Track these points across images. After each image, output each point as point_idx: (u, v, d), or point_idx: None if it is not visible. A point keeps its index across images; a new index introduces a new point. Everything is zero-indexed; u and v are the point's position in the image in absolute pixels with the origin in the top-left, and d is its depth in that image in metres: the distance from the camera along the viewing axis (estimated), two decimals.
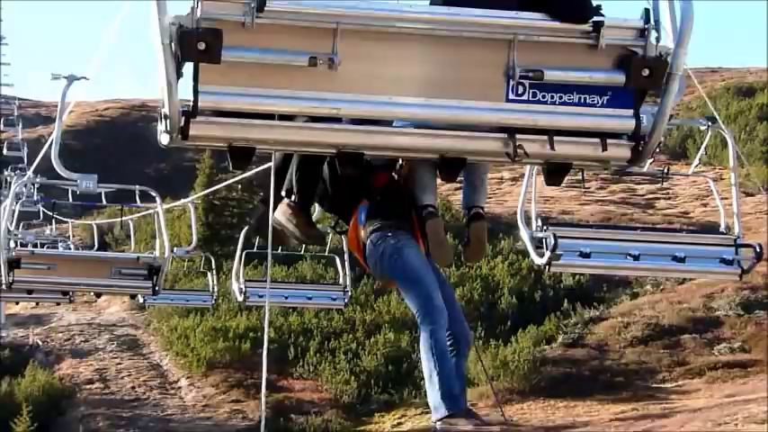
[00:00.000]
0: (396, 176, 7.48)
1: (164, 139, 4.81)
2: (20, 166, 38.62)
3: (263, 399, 10.38)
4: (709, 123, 8.26)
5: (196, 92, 4.64)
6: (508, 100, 4.96)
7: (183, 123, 4.70)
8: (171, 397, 31.42)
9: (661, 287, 36.14)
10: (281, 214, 7.31)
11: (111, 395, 31.42)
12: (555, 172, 5.21)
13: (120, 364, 34.22)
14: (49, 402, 29.76)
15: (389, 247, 7.33)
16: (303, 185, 7.02)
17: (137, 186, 11.97)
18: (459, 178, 5.93)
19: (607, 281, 37.12)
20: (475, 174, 7.40)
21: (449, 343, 7.21)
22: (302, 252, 26.46)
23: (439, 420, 6.89)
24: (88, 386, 32.18)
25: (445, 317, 7.05)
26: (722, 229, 7.37)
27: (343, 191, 7.55)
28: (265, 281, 23.75)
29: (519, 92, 4.95)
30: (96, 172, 10.46)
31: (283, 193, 7.18)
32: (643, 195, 50.39)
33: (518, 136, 5.02)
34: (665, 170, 8.67)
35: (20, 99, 76.41)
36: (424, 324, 7.05)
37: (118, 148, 65.70)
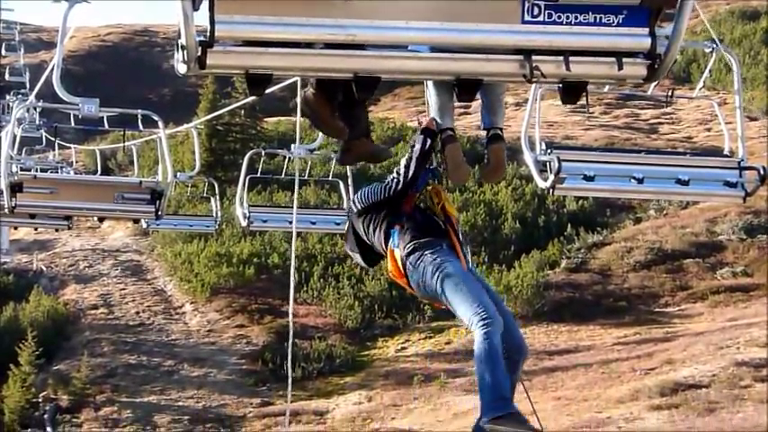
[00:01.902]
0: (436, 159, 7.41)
1: (181, 68, 4.79)
2: (22, 91, 38.41)
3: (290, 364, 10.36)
4: (714, 46, 8.19)
5: (213, 22, 4.62)
6: (524, 21, 4.92)
7: (200, 53, 4.68)
8: (175, 322, 31.55)
9: (664, 212, 36.17)
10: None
11: (116, 320, 31.55)
12: (571, 91, 5.19)
13: (124, 289, 34.33)
14: (54, 328, 29.89)
15: (430, 264, 7.21)
16: (325, 83, 6.90)
17: (139, 111, 11.91)
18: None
19: (610, 206, 37.13)
20: (492, 95, 7.35)
21: (503, 353, 7.11)
22: (306, 177, 26.41)
23: (489, 421, 6.81)
24: (92, 311, 32.31)
25: (500, 322, 6.94)
26: (726, 152, 7.34)
27: (376, 222, 7.55)
28: (269, 205, 23.76)
29: (534, 13, 4.91)
30: (98, 97, 10.41)
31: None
32: (647, 120, 50.26)
33: (534, 57, 4.99)
34: (670, 94, 8.61)
35: (21, 24, 75.97)
36: (479, 328, 6.92)
37: (120, 74, 65.44)
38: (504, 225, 35.61)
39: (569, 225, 35.32)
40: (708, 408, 20.02)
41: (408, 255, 7.31)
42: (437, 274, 7.15)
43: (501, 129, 7.33)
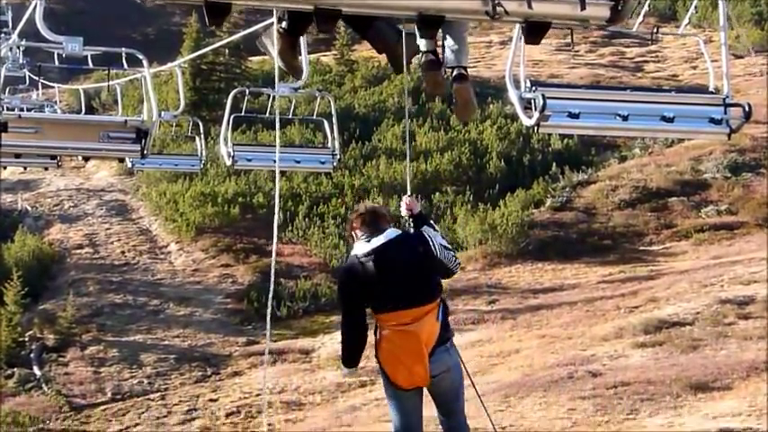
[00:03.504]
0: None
1: None
2: (4, 30, 38.13)
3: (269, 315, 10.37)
4: None
5: None
6: None
7: None
8: (160, 262, 31.55)
9: (649, 150, 36.23)
10: (267, 38, 7.40)
11: (101, 260, 31.54)
12: (534, 31, 5.16)
13: (109, 229, 34.30)
14: (39, 267, 29.88)
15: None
16: (293, 18, 6.92)
17: (123, 49, 11.85)
18: None
19: (595, 144, 37.18)
20: (455, 33, 7.33)
21: None
22: (291, 116, 26.34)
23: None
24: (78, 251, 32.29)
25: None
26: (711, 89, 7.33)
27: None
28: (254, 144, 23.70)
29: None
30: (82, 36, 10.35)
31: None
32: (632, 59, 50.22)
33: None
34: (655, 31, 8.59)
35: None
36: None
37: (104, 12, 64.94)
38: (489, 164, 35.62)
39: (554, 164, 35.35)
40: (692, 345, 20.15)
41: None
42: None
43: (465, 68, 7.34)
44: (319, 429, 18.98)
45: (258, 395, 21.88)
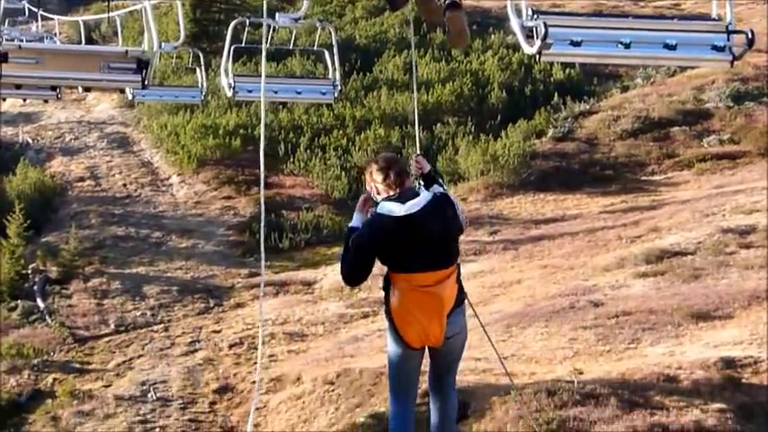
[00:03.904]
0: None
1: None
2: None
3: (262, 200, 10.37)
4: None
5: None
6: None
7: None
8: (162, 194, 31.55)
9: (651, 80, 36.09)
10: None
11: (103, 192, 31.55)
12: None
13: (110, 161, 34.27)
14: (41, 200, 29.87)
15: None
16: None
17: None
18: None
19: (597, 74, 37.03)
20: None
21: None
22: (291, 47, 26.24)
23: None
24: (80, 184, 32.29)
25: None
26: (714, 16, 7.28)
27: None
28: (255, 75, 23.65)
29: None
30: None
31: None
32: None
33: None
34: None
35: None
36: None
37: None
38: (491, 95, 35.50)
39: (556, 94, 35.23)
40: (693, 274, 20.19)
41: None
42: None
43: None
44: (322, 360, 19.08)
45: (263, 325, 21.98)
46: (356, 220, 8.17)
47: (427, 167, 8.42)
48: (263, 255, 9.21)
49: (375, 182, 8.07)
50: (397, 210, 7.83)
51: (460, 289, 8.09)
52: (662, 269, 20.79)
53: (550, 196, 29.39)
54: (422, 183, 8.32)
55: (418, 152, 8.67)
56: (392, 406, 8.34)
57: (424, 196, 7.93)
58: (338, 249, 26.67)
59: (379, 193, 8.06)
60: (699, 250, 21.54)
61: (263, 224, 9.77)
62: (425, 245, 7.78)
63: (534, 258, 24.04)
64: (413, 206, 7.83)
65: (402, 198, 7.90)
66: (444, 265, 7.90)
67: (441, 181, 8.44)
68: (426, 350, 8.25)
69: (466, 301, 8.28)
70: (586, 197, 29.09)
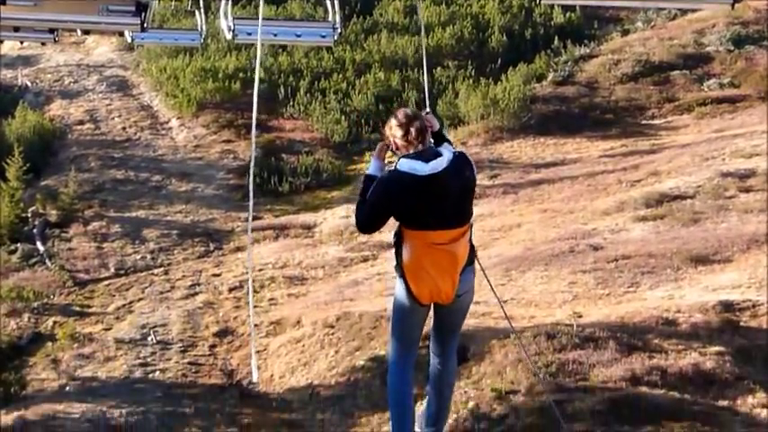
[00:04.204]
0: None
1: None
2: None
3: (254, 145, 10.27)
4: None
5: None
6: None
7: None
8: (162, 138, 31.50)
9: (652, 23, 35.93)
10: None
11: (103, 136, 31.48)
12: None
13: (110, 105, 34.17)
14: (41, 143, 29.79)
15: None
16: None
17: None
18: None
19: (598, 18, 36.86)
20: None
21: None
22: None
23: None
24: (79, 127, 32.21)
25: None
26: None
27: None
28: (254, 18, 23.49)
29: None
30: None
31: None
32: None
33: None
34: None
35: None
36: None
37: None
38: (491, 38, 35.34)
39: (556, 38, 35.08)
40: (692, 218, 20.22)
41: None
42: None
43: None
44: (321, 303, 19.14)
45: (261, 270, 22.02)
46: (373, 168, 8.11)
47: (437, 125, 8.38)
48: (251, 199, 9.22)
49: (394, 137, 8.02)
50: (421, 168, 7.76)
51: (472, 248, 8.10)
52: (661, 213, 20.82)
53: (550, 140, 29.35)
54: (431, 140, 8.27)
55: (428, 109, 8.64)
56: (393, 359, 8.38)
57: (447, 156, 7.88)
58: (338, 193, 26.81)
59: (397, 149, 8.01)
60: (698, 194, 21.56)
61: (251, 170, 9.77)
62: (443, 203, 7.77)
63: (534, 202, 24.05)
64: (437, 165, 7.79)
65: (424, 156, 7.85)
66: (460, 224, 7.90)
67: (448, 137, 8.41)
68: (432, 309, 8.26)
69: (476, 260, 8.29)
70: (586, 141, 29.05)
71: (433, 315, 8.30)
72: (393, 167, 7.89)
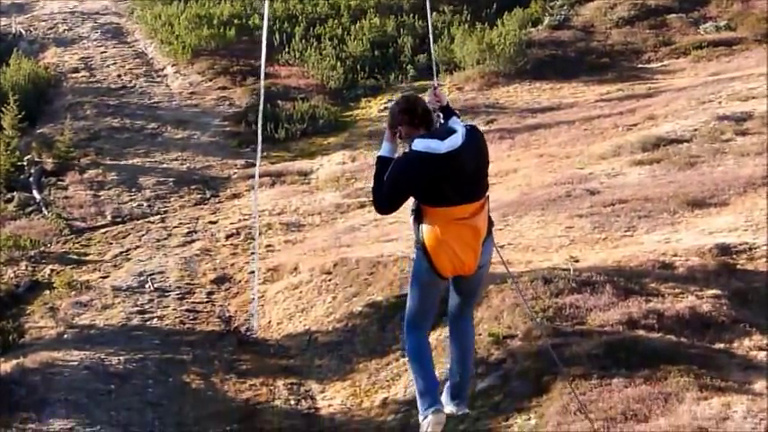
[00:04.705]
0: None
1: None
2: None
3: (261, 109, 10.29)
4: None
5: None
6: None
7: None
8: (157, 85, 31.38)
9: None
10: None
11: (98, 83, 31.34)
12: None
13: (104, 52, 34.00)
14: (36, 91, 29.64)
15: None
16: None
17: None
18: None
19: None
20: None
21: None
22: None
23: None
24: (74, 75, 32.05)
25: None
26: None
27: None
28: None
29: None
30: None
31: None
32: None
33: None
34: None
35: None
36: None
37: None
38: None
39: None
40: (689, 162, 20.21)
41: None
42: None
43: None
44: (318, 249, 19.17)
45: (258, 217, 22.04)
46: (385, 150, 8.08)
47: (445, 99, 8.37)
48: (259, 151, 9.21)
49: (400, 124, 8.01)
50: (437, 147, 7.77)
51: (489, 219, 8.20)
52: (658, 157, 20.80)
53: (546, 85, 29.27)
54: (440, 115, 8.28)
55: (436, 84, 8.64)
56: (411, 331, 8.39)
57: (461, 132, 7.92)
58: (334, 140, 26.80)
59: (402, 136, 8.01)
60: (695, 138, 21.55)
61: (260, 116, 9.75)
62: (462, 179, 7.84)
63: (530, 147, 24.02)
64: (454, 143, 7.82)
65: (438, 134, 7.89)
66: (479, 197, 8.02)
67: (456, 112, 8.40)
68: (450, 281, 8.35)
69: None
70: (582, 85, 28.98)
71: (451, 282, 8.36)
72: (408, 148, 7.89)
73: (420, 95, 8.38)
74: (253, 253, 19.40)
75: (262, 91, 9.34)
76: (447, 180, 7.79)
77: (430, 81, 29.87)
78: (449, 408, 8.57)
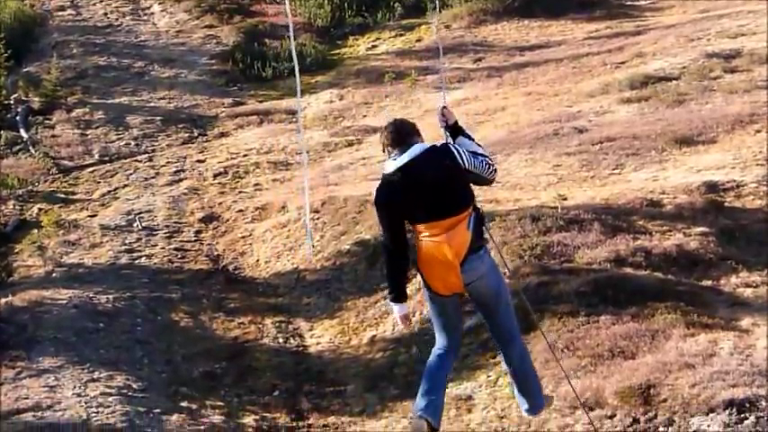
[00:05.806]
0: None
1: None
2: None
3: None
4: None
5: None
6: None
7: None
8: (144, 23, 31.20)
9: None
10: None
11: (84, 22, 31.12)
12: None
13: None
14: (21, 29, 29.38)
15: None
16: None
17: None
18: None
19: None
20: None
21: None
22: None
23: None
24: (60, 13, 31.82)
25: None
26: None
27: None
28: None
29: None
30: None
31: None
32: None
33: None
34: None
35: None
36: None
37: None
38: None
39: None
40: (677, 99, 20.19)
41: None
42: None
43: None
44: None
45: (245, 155, 22.00)
46: None
47: (453, 119, 8.37)
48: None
49: (385, 146, 8.20)
50: (389, 166, 8.02)
51: (477, 234, 8.11)
52: (646, 94, 20.78)
53: (535, 23, 29.16)
54: (448, 134, 8.31)
55: (443, 103, 8.71)
56: (435, 347, 8.50)
57: (419, 146, 8.01)
58: (321, 78, 26.74)
59: (388, 157, 8.19)
60: (683, 75, 21.52)
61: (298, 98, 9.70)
62: (424, 197, 7.90)
63: (518, 85, 23.97)
64: (404, 157, 7.96)
65: (399, 153, 8.03)
66: (447, 214, 7.94)
67: (467, 132, 8.38)
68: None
69: (488, 245, 8.33)
70: (571, 23, 28.87)
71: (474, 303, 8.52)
72: None
73: (405, 119, 8.47)
74: (240, 192, 19.41)
75: (291, 33, 9.19)
76: (404, 198, 7.93)
77: (419, 19, 29.82)
78: (523, 407, 8.75)
